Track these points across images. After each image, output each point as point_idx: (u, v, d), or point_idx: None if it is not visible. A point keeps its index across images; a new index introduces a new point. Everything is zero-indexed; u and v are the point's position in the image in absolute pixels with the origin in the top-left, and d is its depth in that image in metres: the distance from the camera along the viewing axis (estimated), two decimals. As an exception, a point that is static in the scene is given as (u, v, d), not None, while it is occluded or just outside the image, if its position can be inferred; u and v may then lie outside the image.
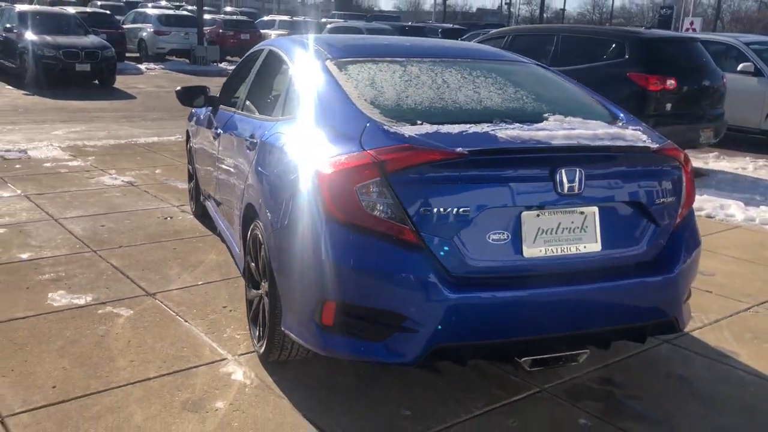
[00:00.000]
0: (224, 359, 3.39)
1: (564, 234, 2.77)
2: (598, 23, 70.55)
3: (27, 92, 14.35)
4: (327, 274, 2.67)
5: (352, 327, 2.68)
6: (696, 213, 3.89)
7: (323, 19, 31.29)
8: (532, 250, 2.72)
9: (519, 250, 2.70)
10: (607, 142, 2.85)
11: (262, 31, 25.96)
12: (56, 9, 19.41)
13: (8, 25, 16.37)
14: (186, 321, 3.80)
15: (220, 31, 24.53)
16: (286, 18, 27.76)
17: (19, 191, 6.49)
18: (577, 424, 2.99)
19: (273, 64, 4.13)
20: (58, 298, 4.04)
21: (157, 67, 21.52)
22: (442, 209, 2.59)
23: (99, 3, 27.28)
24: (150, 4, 27.48)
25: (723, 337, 3.91)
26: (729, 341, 3.85)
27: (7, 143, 8.95)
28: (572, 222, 2.79)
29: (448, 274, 2.61)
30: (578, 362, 2.95)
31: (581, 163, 2.75)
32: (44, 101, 13.29)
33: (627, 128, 3.11)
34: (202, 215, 5.68)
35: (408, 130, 2.76)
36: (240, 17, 26.91)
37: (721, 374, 3.49)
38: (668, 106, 8.02)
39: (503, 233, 2.68)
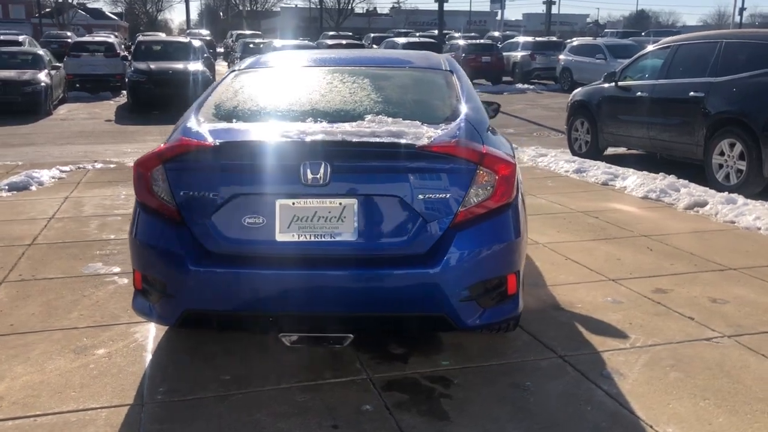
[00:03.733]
0: (129, 323, 4.04)
1: (319, 222, 2.97)
2: None
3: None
4: (130, 247, 3.22)
5: (146, 292, 3.19)
6: None
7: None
8: (284, 235, 2.97)
9: (272, 234, 2.97)
10: (368, 139, 2.97)
11: (505, 53, 26.45)
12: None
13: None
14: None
15: (462, 55, 25.54)
16: (529, 39, 27.87)
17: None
18: (358, 411, 3.10)
19: None
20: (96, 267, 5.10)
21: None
22: (201, 193, 2.99)
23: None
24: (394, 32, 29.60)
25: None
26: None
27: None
28: (329, 212, 2.97)
29: (203, 250, 2.99)
30: (342, 345, 3.09)
31: (330, 157, 2.93)
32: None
33: (429, 130, 3.13)
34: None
35: (204, 127, 3.20)
36: (484, 41, 27.71)
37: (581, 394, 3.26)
38: None
39: (259, 217, 2.98)
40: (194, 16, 67.41)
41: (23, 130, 14.07)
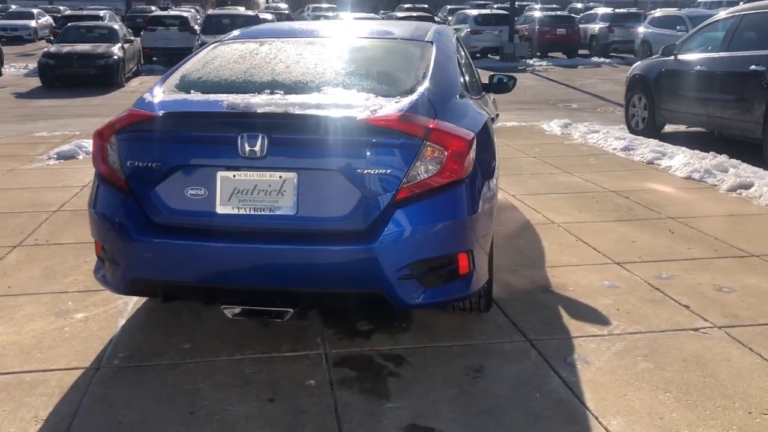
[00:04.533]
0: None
1: (259, 196, 2.94)
2: None
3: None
4: (89, 216, 3.30)
5: (102, 260, 3.27)
6: None
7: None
8: (224, 207, 2.96)
9: (213, 206, 2.97)
10: (307, 111, 2.91)
11: (582, 26, 25.52)
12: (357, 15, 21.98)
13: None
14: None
15: (537, 27, 24.82)
16: (608, 10, 26.64)
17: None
18: (301, 385, 3.09)
19: None
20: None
21: (465, 64, 22.82)
22: (146, 164, 3.02)
23: (405, 6, 29.69)
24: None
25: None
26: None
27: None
28: (269, 185, 2.94)
29: (148, 220, 3.02)
30: (283, 320, 3.07)
31: (268, 129, 2.89)
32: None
33: (379, 103, 3.03)
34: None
35: (158, 98, 3.22)
36: (561, 13, 26.75)
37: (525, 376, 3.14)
38: None
39: (200, 189, 2.98)
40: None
41: (94, 101, 14.70)
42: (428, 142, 2.95)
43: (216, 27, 18.58)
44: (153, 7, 36.70)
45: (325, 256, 2.90)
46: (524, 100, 14.76)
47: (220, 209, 2.97)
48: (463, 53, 4.63)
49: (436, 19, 30.89)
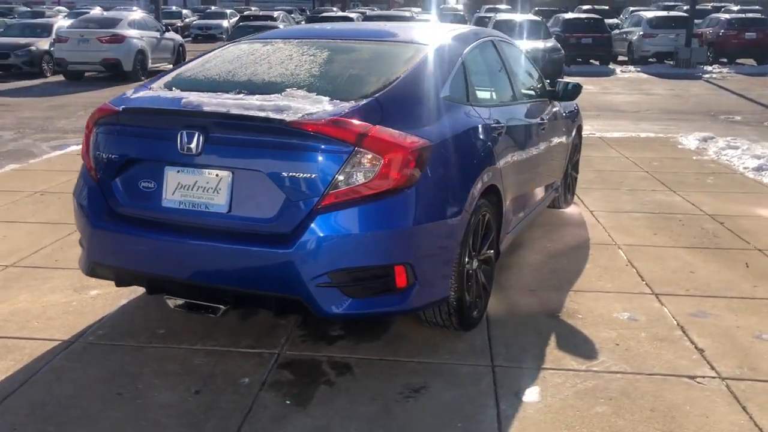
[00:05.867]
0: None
1: (198, 192, 3.01)
2: None
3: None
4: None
5: (80, 243, 3.51)
6: None
7: None
8: (168, 202, 3.06)
9: (159, 200, 3.08)
10: (240, 111, 2.92)
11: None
12: (526, 16, 21.43)
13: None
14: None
15: (722, 31, 22.74)
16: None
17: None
18: (234, 382, 3.12)
19: None
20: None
21: (634, 69, 21.53)
22: (109, 156, 3.21)
23: (584, 8, 28.29)
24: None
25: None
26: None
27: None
28: (207, 182, 2.99)
29: (108, 209, 3.21)
30: (217, 315, 3.10)
31: (204, 128, 2.94)
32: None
33: (324, 107, 2.96)
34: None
35: (136, 93, 3.39)
36: (753, 15, 24.17)
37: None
38: None
39: (151, 183, 3.11)
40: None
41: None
42: (361, 149, 2.85)
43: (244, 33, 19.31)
44: (334, 8, 38.39)
45: (248, 257, 2.91)
46: (679, 110, 13.68)
47: (164, 203, 3.08)
48: (499, 58, 4.40)
49: (616, 20, 29.35)
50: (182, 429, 2.78)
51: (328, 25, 4.98)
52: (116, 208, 3.21)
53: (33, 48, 18.02)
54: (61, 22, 20.04)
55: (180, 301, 3.20)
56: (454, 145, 3.27)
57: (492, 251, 3.77)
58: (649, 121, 12.28)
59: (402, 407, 2.94)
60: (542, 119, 4.74)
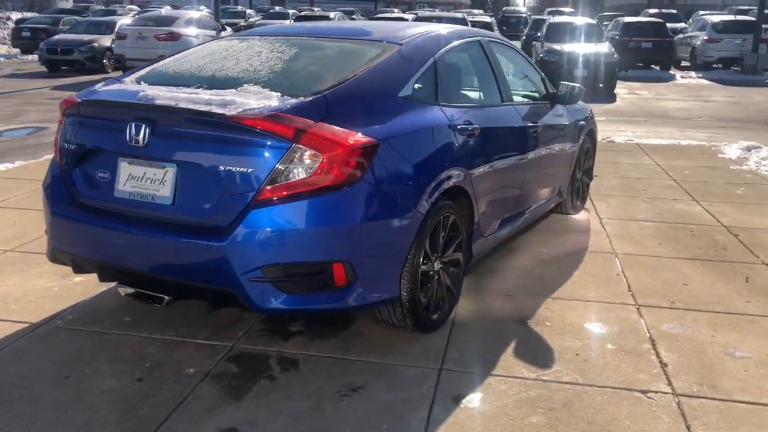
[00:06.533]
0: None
1: (146, 183, 3.07)
2: None
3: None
4: None
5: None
6: None
7: None
8: (120, 193, 3.14)
9: (112, 189, 3.17)
10: (183, 105, 2.96)
11: None
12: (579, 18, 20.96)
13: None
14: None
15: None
16: None
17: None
18: (179, 372, 3.17)
19: None
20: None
21: (695, 75, 20.81)
22: (71, 146, 3.31)
23: (650, 11, 27.41)
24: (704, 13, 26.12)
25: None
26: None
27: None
28: (155, 174, 3.05)
29: (68, 198, 3.31)
30: (161, 305, 3.15)
31: (150, 120, 3.01)
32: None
33: (270, 102, 2.97)
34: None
35: (106, 85, 3.49)
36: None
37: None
38: None
39: (107, 173, 3.20)
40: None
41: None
42: (299, 145, 2.86)
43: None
44: (396, 9, 38.50)
45: (187, 249, 2.96)
46: (734, 118, 13.17)
47: (117, 193, 3.17)
48: (486, 59, 4.33)
49: (683, 24, 28.39)
50: (115, 414, 2.85)
51: (310, 24, 5.02)
52: (77, 197, 3.31)
53: (95, 45, 18.76)
54: (124, 20, 20.73)
55: (130, 290, 3.28)
56: (408, 144, 3.24)
57: (459, 254, 3.71)
58: (696, 129, 11.85)
59: (335, 405, 2.93)
60: (535, 122, 4.64)
